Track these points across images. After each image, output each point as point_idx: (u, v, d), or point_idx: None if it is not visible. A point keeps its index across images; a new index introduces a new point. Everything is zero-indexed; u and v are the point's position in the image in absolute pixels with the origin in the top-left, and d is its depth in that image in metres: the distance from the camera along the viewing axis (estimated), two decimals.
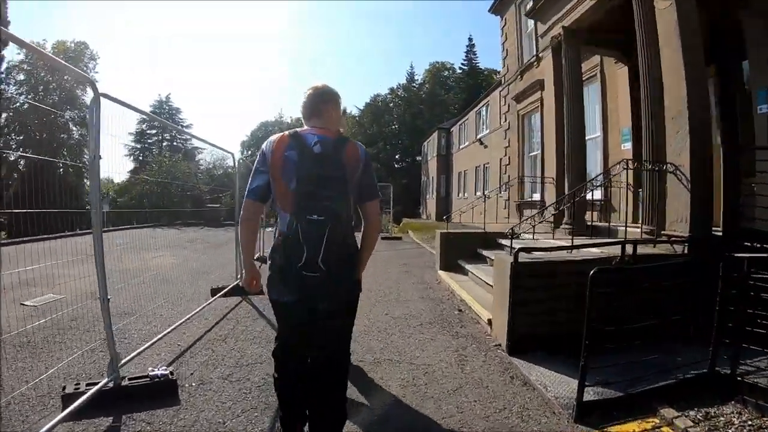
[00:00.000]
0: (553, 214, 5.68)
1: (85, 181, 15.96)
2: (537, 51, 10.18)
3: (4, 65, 23.99)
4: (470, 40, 50.70)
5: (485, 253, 6.18)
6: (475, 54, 46.66)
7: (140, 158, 35.86)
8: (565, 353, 3.11)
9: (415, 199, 34.16)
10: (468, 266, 6.18)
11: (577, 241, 4.32)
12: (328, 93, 1.97)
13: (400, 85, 46.48)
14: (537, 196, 10.71)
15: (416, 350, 3.62)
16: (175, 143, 39.18)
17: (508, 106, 12.82)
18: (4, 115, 24.13)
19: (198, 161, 35.51)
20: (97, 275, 2.43)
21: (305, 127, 1.93)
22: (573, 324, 2.73)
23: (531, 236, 5.32)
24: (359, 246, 1.93)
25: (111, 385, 2.40)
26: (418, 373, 3.13)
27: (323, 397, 1.90)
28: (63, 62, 2.54)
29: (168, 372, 2.34)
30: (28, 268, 2.83)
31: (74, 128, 28.27)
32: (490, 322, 4.09)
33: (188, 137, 39.25)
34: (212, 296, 4.97)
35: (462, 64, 46.87)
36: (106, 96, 2.51)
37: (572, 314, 3.00)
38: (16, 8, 44.96)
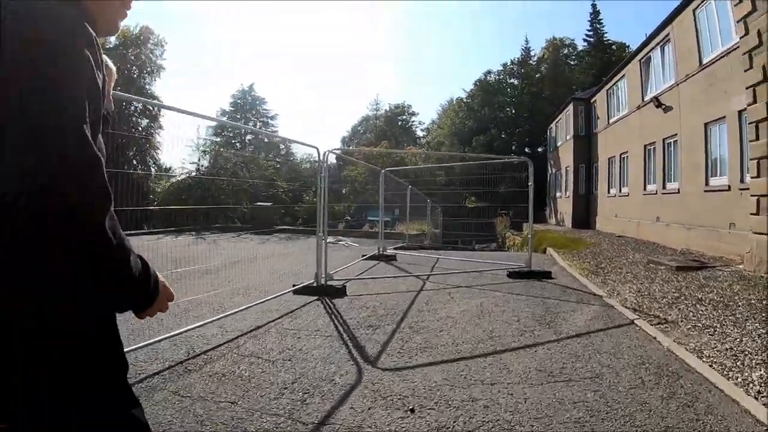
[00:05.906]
0: None
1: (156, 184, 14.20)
2: None
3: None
4: (594, 6, 39.85)
5: None
6: (601, 23, 37.03)
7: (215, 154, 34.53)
8: None
9: (540, 198, 26.57)
10: None
11: None
12: None
13: (515, 59, 38.78)
14: None
15: None
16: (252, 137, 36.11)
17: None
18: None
19: (282, 153, 33.13)
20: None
21: None
22: None
23: None
24: None
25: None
26: None
27: None
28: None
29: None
30: None
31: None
32: None
33: (267, 131, 36.34)
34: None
35: (587, 34, 37.41)
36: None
37: None
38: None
